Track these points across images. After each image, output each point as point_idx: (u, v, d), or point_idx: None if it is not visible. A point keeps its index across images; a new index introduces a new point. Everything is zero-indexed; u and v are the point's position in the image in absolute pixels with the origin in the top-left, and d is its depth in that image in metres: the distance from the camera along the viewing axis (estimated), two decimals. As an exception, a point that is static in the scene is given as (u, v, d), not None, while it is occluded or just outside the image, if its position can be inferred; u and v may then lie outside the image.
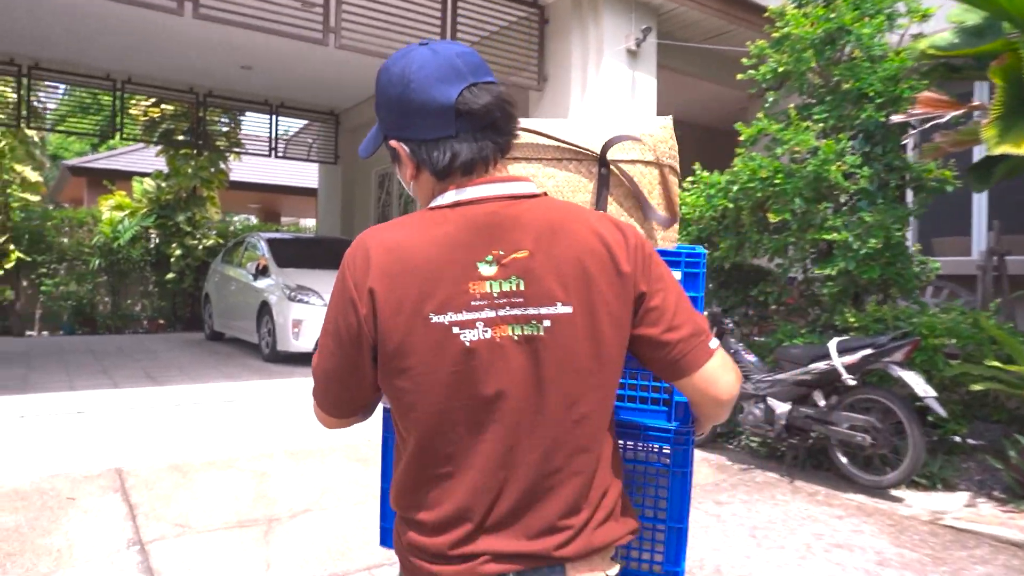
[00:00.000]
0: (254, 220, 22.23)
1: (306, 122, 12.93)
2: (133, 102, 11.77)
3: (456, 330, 0.99)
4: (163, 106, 12.08)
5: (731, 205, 4.89)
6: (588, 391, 1.03)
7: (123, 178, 15.48)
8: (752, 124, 5.21)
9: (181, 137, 12.24)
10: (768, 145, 5.30)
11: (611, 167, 1.34)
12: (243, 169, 18.46)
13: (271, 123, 11.95)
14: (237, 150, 12.96)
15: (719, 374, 1.09)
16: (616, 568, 1.09)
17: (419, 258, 1.00)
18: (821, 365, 4.30)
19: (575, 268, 1.01)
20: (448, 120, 1.03)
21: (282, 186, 19.09)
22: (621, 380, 1.28)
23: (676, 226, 1.41)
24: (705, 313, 1.93)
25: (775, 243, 4.88)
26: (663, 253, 1.27)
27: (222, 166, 13.65)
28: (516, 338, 1.00)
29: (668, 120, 1.41)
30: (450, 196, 1.05)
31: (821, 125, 4.79)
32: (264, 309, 8.09)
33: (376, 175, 11.69)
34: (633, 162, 1.35)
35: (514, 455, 1.01)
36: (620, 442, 1.29)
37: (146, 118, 12.16)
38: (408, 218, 1.07)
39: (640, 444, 1.38)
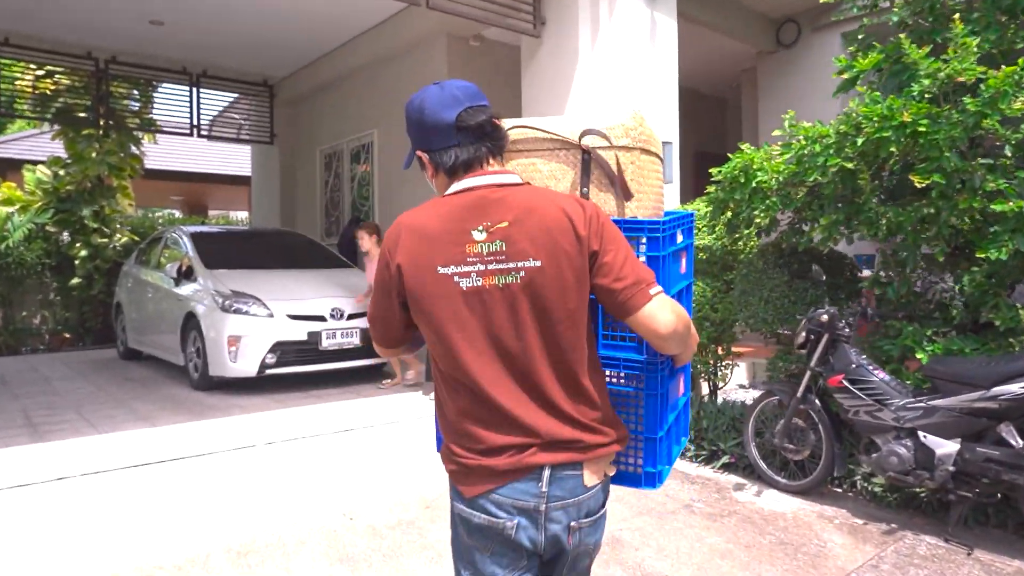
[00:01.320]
0: (178, 214, 19.94)
1: (236, 95, 11.03)
2: (17, 72, 9.67)
3: (456, 279, 1.42)
4: (56, 76, 10.01)
5: (851, 165, 3.52)
6: (565, 329, 1.42)
7: (13, 168, 13.19)
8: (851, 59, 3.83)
9: (82, 115, 10.18)
10: (870, 87, 3.96)
11: (589, 153, 1.70)
12: (162, 155, 16.29)
13: (191, 96, 10.04)
14: (151, 130, 10.93)
15: (657, 314, 1.44)
16: (613, 470, 1.57)
17: (432, 230, 1.46)
18: (1016, 389, 2.99)
19: (544, 234, 1.41)
20: (451, 134, 1.49)
21: (209, 174, 16.93)
22: (607, 325, 1.67)
23: (662, 197, 1.83)
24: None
25: (906, 216, 3.54)
26: (641, 224, 1.64)
27: (134, 150, 11.60)
28: (500, 285, 1.42)
29: (636, 111, 1.75)
30: (454, 187, 1.50)
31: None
32: (190, 322, 6.35)
33: (322, 155, 9.95)
34: (607, 148, 1.69)
35: (529, 385, 1.43)
36: (607, 372, 1.66)
37: (35, 93, 10.05)
38: (427, 204, 1.52)
39: (623, 374, 1.73)
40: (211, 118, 10.89)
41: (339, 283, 6.76)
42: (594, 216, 1.44)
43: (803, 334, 3.80)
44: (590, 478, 1.47)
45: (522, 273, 1.40)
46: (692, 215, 1.89)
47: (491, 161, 1.52)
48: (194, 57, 9.55)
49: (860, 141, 3.44)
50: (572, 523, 1.46)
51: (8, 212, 10.90)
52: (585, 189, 1.69)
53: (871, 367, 3.56)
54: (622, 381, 1.73)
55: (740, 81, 9.38)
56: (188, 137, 17.75)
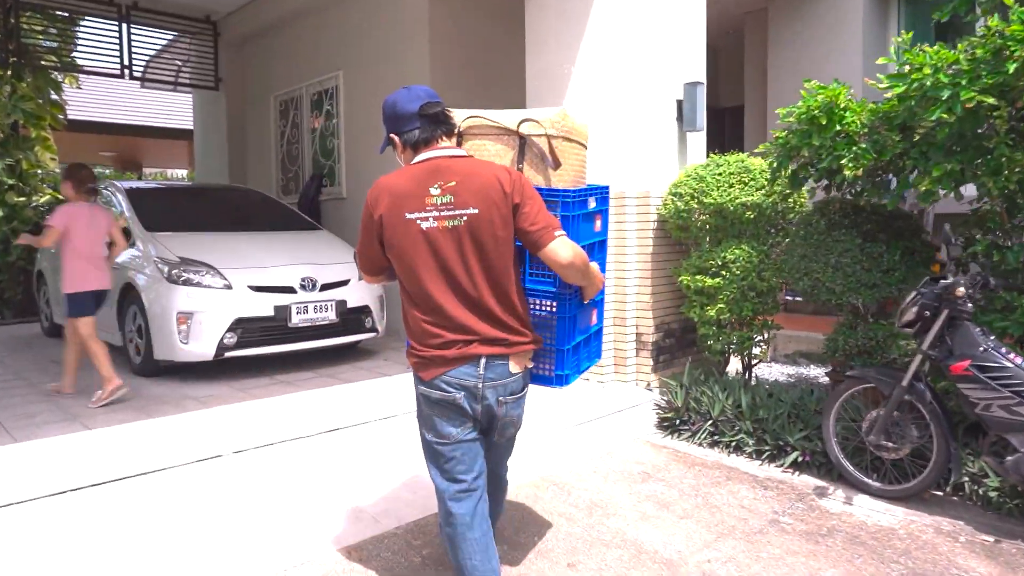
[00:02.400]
0: (108, 173, 18.22)
1: (173, 34, 9.69)
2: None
3: (418, 222, 2.02)
4: (-46, 6, 8.52)
5: (990, 99, 2.78)
6: (495, 259, 2.04)
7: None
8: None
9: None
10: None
11: (525, 139, 2.35)
12: (90, 105, 14.66)
13: (120, 33, 8.70)
14: (72, 70, 9.51)
15: (559, 249, 2.06)
16: (531, 364, 2.20)
17: (401, 188, 2.05)
18: None
19: (481, 190, 2.01)
20: (415, 120, 2.10)
21: (144, 127, 15.32)
22: (532, 268, 2.32)
23: (585, 171, 2.62)
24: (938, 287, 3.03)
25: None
26: (557, 192, 2.31)
27: (54, 96, 10.14)
28: (449, 227, 2.01)
29: (562, 108, 2.41)
30: (417, 158, 2.11)
31: None
32: (129, 295, 5.31)
33: (277, 101, 8.79)
34: (538, 135, 2.34)
35: (470, 299, 2.04)
36: (533, 300, 2.32)
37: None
38: (399, 170, 2.12)
39: (542, 301, 2.33)
40: (146, 61, 9.54)
41: (309, 248, 5.80)
42: (518, 179, 2.07)
43: (914, 309, 3.09)
44: (514, 367, 2.11)
45: (465, 217, 2.01)
46: (606, 188, 2.62)
47: (444, 139, 2.13)
48: (122, -16, 8.22)
49: (1012, 67, 2.69)
50: (500, 398, 2.10)
51: (-96, 166, 9.39)
52: (520, 164, 2.32)
53: (1004, 351, 2.89)
54: (544, 308, 2.32)
55: (743, 26, 8.60)
56: (120, 85, 16.19)
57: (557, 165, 2.31)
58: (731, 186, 4.43)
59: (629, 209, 4.87)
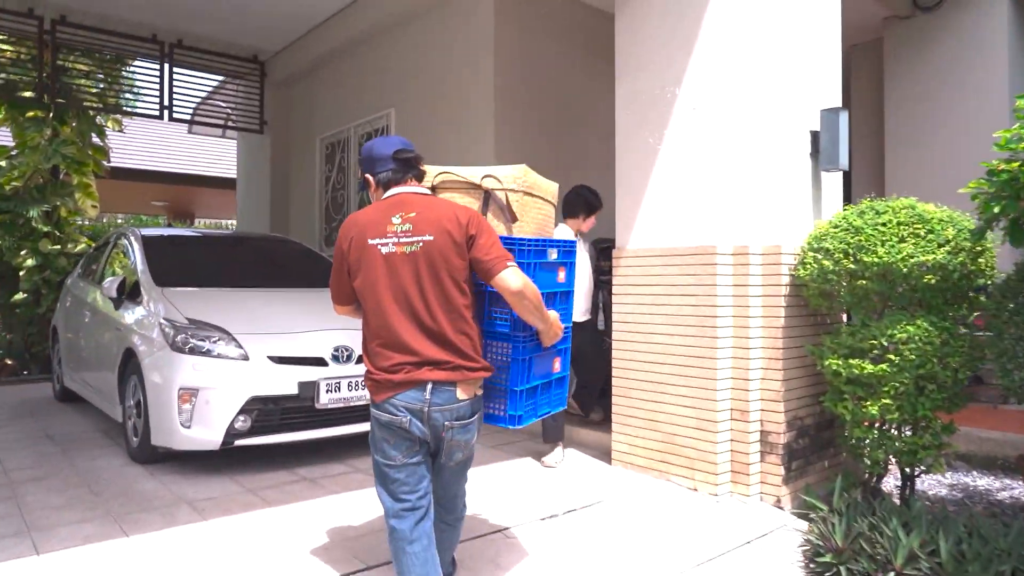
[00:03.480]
0: (160, 223, 18.01)
1: (220, 78, 9.17)
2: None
3: (379, 247, 2.22)
4: (-3, 45, 8.16)
5: None
6: (450, 285, 2.22)
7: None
8: None
9: (28, 94, 8.30)
10: None
11: (489, 193, 2.57)
12: (140, 153, 14.44)
13: (162, 73, 8.17)
14: (111, 111, 9.01)
15: (509, 277, 2.22)
16: (480, 391, 2.33)
17: (367, 219, 2.28)
18: None
19: (437, 221, 2.22)
20: (388, 162, 2.35)
21: (197, 176, 14.97)
22: (494, 310, 2.46)
23: (551, 225, 2.85)
24: None
25: None
26: (515, 240, 2.47)
27: (97, 141, 9.70)
28: (407, 252, 2.20)
29: (523, 166, 2.65)
30: (386, 195, 2.35)
31: None
32: (131, 363, 4.41)
33: (323, 144, 8.06)
34: (500, 190, 2.58)
35: (423, 323, 2.20)
36: (491, 343, 2.47)
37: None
38: (370, 206, 2.36)
39: (499, 344, 2.46)
40: (193, 105, 9.01)
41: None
42: (474, 215, 2.30)
43: None
44: (461, 393, 2.25)
45: (421, 243, 2.20)
46: (572, 243, 2.81)
47: (413, 182, 2.38)
48: (167, 22, 7.69)
49: None
50: (447, 423, 2.24)
51: (-64, 212, 8.97)
52: (485, 215, 2.55)
53: None
54: (501, 350, 2.47)
55: (849, 62, 7.54)
56: (171, 133, 16.05)
57: (513, 218, 2.55)
58: (901, 240, 3.30)
59: (753, 269, 3.76)
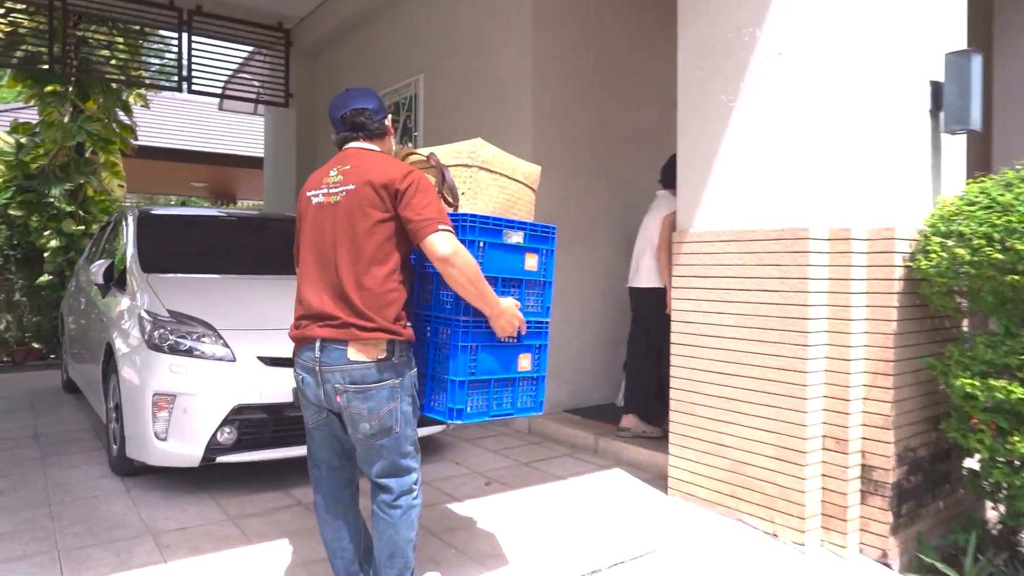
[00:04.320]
0: (203, 205, 17.81)
1: (248, 48, 8.62)
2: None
3: (312, 198, 2.21)
4: (12, 16, 7.75)
5: None
6: (364, 239, 2.09)
7: None
8: None
9: (46, 67, 7.88)
10: None
11: (443, 170, 2.42)
12: (180, 133, 14.14)
13: (180, 42, 7.63)
14: (132, 83, 8.56)
15: (438, 242, 2.05)
16: (381, 355, 2.09)
17: (314, 175, 2.28)
18: None
19: (365, 172, 2.12)
20: (339, 124, 2.28)
21: (238, 156, 14.57)
22: (443, 294, 2.30)
23: (516, 205, 2.55)
24: None
25: None
26: (459, 215, 2.30)
27: (123, 117, 9.29)
28: (332, 202, 2.14)
29: (477, 140, 2.46)
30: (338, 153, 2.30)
31: None
32: (111, 359, 3.84)
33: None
34: (454, 166, 2.43)
35: (328, 277, 2.11)
36: (441, 328, 2.30)
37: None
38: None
39: (442, 328, 2.28)
40: (215, 78, 8.48)
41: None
42: (412, 174, 2.13)
43: None
44: (354, 353, 2.07)
45: (343, 193, 2.12)
46: (550, 228, 2.54)
47: (363, 141, 2.27)
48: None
49: None
50: (338, 385, 2.08)
51: (-42, 191, 8.70)
52: (440, 192, 2.37)
53: None
54: (442, 336, 2.30)
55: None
56: (210, 113, 15.75)
57: (454, 195, 2.37)
58: (1070, 222, 2.45)
59: (856, 258, 2.94)
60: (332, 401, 2.11)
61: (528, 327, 2.38)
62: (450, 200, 2.36)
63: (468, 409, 2.25)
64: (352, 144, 2.24)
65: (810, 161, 3.00)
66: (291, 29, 8.14)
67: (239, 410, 3.34)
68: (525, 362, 2.40)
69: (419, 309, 2.37)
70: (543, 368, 2.47)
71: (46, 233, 8.78)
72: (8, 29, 7.86)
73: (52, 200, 8.69)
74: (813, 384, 2.99)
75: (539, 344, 2.44)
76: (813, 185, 2.99)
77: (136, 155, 10.27)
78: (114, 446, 3.76)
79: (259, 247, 4.91)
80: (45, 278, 8.83)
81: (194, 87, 7.71)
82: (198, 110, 15.52)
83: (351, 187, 2.10)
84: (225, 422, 3.32)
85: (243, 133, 15.06)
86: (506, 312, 2.24)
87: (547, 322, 2.48)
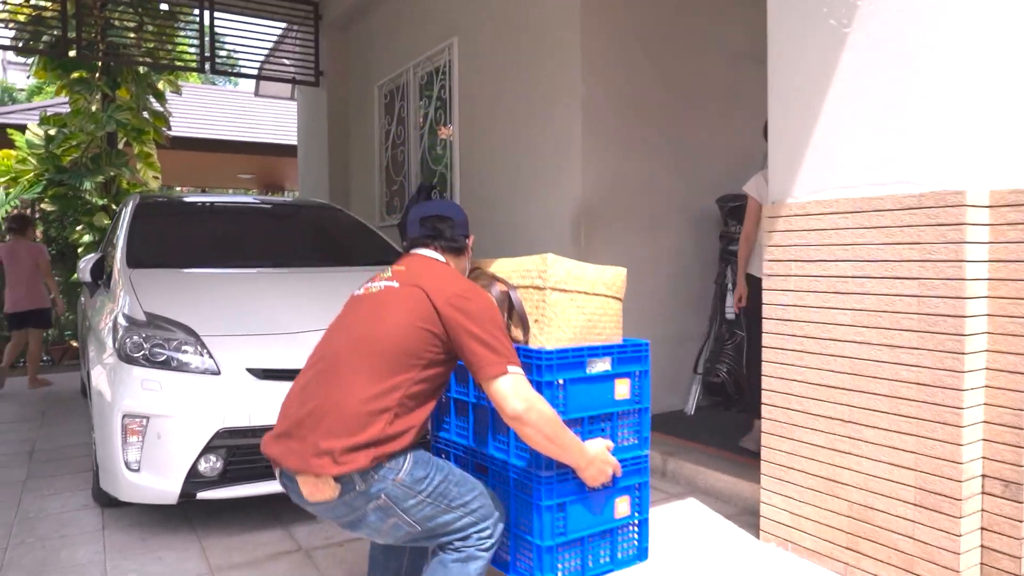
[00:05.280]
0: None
1: (278, 25, 8.08)
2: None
3: (355, 292, 1.89)
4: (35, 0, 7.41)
5: None
6: (381, 347, 1.70)
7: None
8: None
9: (73, 54, 7.51)
10: None
11: (507, 292, 2.05)
12: (223, 124, 13.88)
13: (202, 18, 7.14)
14: (158, 66, 8.15)
15: (503, 393, 1.65)
16: (334, 494, 1.62)
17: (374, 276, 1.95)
18: None
19: (415, 275, 1.79)
20: (415, 225, 1.98)
21: (281, 145, 14.17)
22: (500, 436, 2.01)
23: (603, 325, 2.11)
24: None
25: None
26: (531, 352, 1.93)
27: (155, 104, 8.93)
28: (367, 293, 1.83)
29: (546, 256, 2.01)
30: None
31: None
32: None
33: (381, 93, 6.80)
34: (522, 287, 2.04)
35: (318, 375, 1.77)
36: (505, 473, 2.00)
37: (13, 22, 7.47)
38: None
39: (519, 479, 1.95)
40: (243, 58, 8.00)
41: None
42: (471, 290, 1.78)
43: None
44: (307, 490, 1.64)
45: (383, 287, 1.80)
46: (641, 345, 2.13)
47: (433, 249, 1.94)
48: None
49: None
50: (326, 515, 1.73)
51: (-8, 185, 8.50)
52: (509, 321, 2.04)
53: None
54: (523, 489, 1.95)
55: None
56: (255, 103, 15.45)
57: (524, 325, 2.00)
58: None
59: (973, 231, 2.11)
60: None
61: (624, 466, 2.02)
62: (521, 333, 1.99)
63: (560, 574, 1.93)
64: (418, 250, 1.94)
65: (960, 98, 2.17)
66: (319, 1, 7.55)
67: (224, 435, 2.73)
68: (623, 506, 2.08)
69: (478, 446, 2.11)
70: (646, 509, 2.12)
71: (79, 228, 8.51)
72: (32, 14, 7.52)
73: (84, 194, 8.40)
74: (971, 405, 2.18)
75: (638, 483, 2.11)
76: (969, 131, 2.17)
77: (171, 146, 9.95)
78: (96, 470, 3.23)
79: (276, 236, 4.31)
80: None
81: (218, 67, 7.20)
82: (236, 99, 15.23)
83: (393, 284, 1.80)
84: (207, 450, 2.72)
85: (285, 121, 14.71)
86: (596, 461, 1.88)
87: (646, 455, 2.12)
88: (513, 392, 1.66)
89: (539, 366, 1.89)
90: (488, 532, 1.77)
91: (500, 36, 4.91)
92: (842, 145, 2.50)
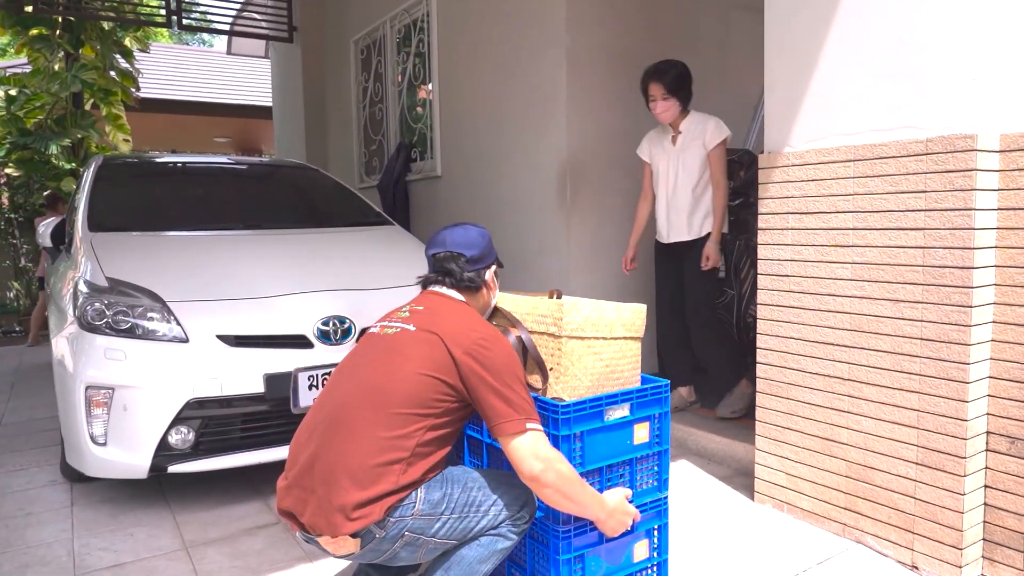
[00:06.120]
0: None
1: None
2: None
3: (372, 329, 1.80)
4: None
5: None
6: (393, 392, 1.63)
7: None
8: None
9: (29, 8, 7.12)
10: None
11: (525, 343, 1.93)
12: (196, 84, 13.42)
13: (168, -31, 6.77)
14: (122, 20, 7.77)
15: (520, 453, 1.59)
16: (354, 549, 1.57)
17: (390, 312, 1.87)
18: None
19: (432, 318, 1.71)
20: (431, 264, 1.90)
21: (258, 107, 13.75)
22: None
23: (620, 369, 2.00)
24: None
25: None
26: (547, 404, 1.83)
27: (122, 63, 8.55)
28: (383, 333, 1.74)
29: (564, 303, 1.88)
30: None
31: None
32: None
33: (357, 48, 6.52)
34: (537, 333, 1.94)
35: (329, 419, 1.68)
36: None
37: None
38: None
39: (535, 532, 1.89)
40: (236, 9, 7.65)
41: (356, 257, 3.40)
42: (490, 337, 1.68)
43: None
44: (332, 549, 1.59)
45: (398, 329, 1.71)
46: (661, 385, 2.04)
47: (448, 287, 1.86)
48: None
49: None
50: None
51: (-47, 150, 8.14)
52: (525, 367, 1.92)
53: None
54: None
55: None
56: (230, 63, 14.97)
57: (543, 373, 1.90)
58: None
59: (983, 177, 1.99)
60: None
61: (642, 510, 1.96)
62: (538, 379, 1.90)
63: None
64: (434, 287, 1.87)
65: (974, 34, 2.02)
66: (290, -49, 7.21)
67: (195, 405, 2.59)
68: (642, 551, 2.01)
69: None
70: (665, 550, 2.06)
71: (45, 193, 8.21)
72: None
73: (51, 158, 8.08)
74: (977, 360, 2.08)
75: (657, 525, 2.05)
76: (979, 71, 2.03)
77: (142, 108, 9.60)
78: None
79: (237, 198, 4.10)
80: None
81: (185, 22, 6.87)
82: (209, 58, 14.72)
83: (410, 327, 1.71)
84: (177, 421, 2.58)
85: (261, 82, 14.27)
86: (616, 513, 1.80)
87: (665, 497, 2.05)
88: (532, 452, 1.60)
89: (556, 419, 1.82)
90: (523, 517, 1.73)
91: (480, -16, 4.66)
92: (842, 89, 2.35)
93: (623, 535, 1.91)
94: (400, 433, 1.58)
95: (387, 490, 1.55)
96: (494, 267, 1.95)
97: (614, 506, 1.80)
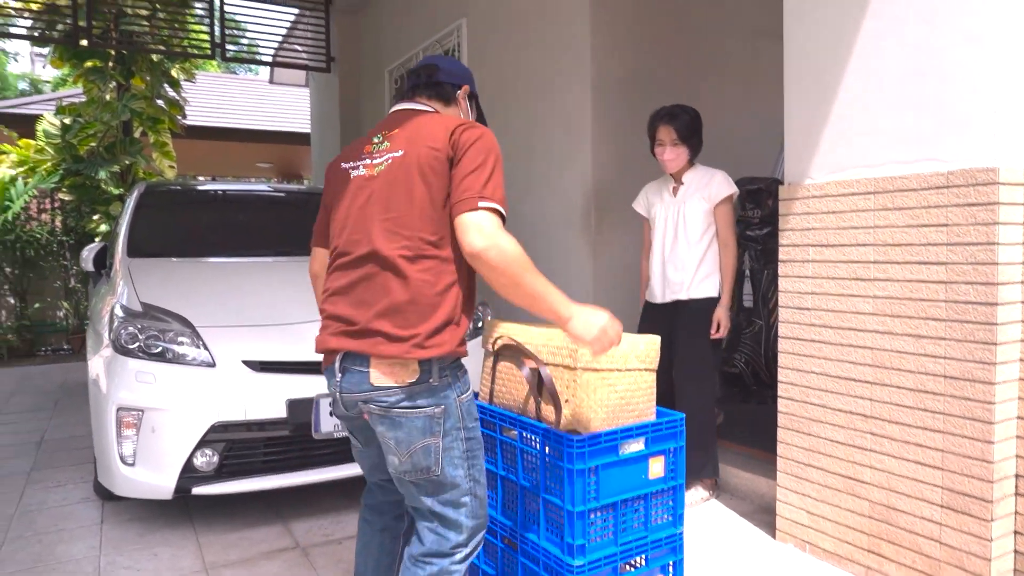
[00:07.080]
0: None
1: (289, 11, 7.98)
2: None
3: (350, 171, 1.65)
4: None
5: None
6: (408, 219, 1.52)
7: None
8: None
9: (84, 42, 7.48)
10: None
11: (536, 369, 1.93)
12: (242, 112, 13.88)
13: (212, 4, 7.06)
14: (171, 53, 8.10)
15: (467, 228, 1.46)
16: (410, 378, 1.50)
17: (354, 143, 1.74)
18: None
19: (416, 133, 1.58)
20: (408, 76, 1.81)
21: (294, 133, 14.15)
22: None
23: (636, 403, 1.97)
24: None
25: None
26: (562, 438, 1.83)
27: (170, 92, 8.90)
28: (375, 173, 1.59)
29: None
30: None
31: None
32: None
33: (391, 77, 6.69)
34: (552, 365, 1.92)
35: (356, 265, 1.57)
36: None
37: (27, 11, 7.46)
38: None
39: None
40: (277, 43, 7.93)
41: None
42: (469, 131, 1.55)
43: None
44: (378, 377, 1.50)
45: (389, 161, 1.58)
46: (676, 420, 2.02)
47: (421, 98, 1.73)
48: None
49: None
50: (360, 403, 1.54)
51: (11, 176, 8.54)
52: (538, 400, 1.95)
53: None
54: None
55: None
56: (271, 91, 15.44)
57: (556, 404, 1.86)
58: None
59: (1006, 211, 1.94)
60: (365, 427, 1.66)
61: (658, 546, 2.00)
62: (552, 412, 1.87)
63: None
64: (404, 104, 1.72)
65: (996, 65, 1.99)
66: (330, -14, 7.45)
67: (220, 428, 2.66)
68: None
69: (505, 519, 2.08)
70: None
71: (95, 217, 8.54)
72: (46, 3, 7.51)
73: (101, 183, 8.42)
74: (1004, 400, 2.02)
75: (672, 561, 2.06)
76: (1001, 103, 1.99)
77: (188, 135, 9.95)
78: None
79: (271, 225, 4.21)
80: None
81: (229, 55, 7.13)
82: (252, 87, 15.20)
83: (398, 153, 1.58)
84: (203, 444, 2.65)
85: (301, 109, 14.68)
86: (592, 322, 1.56)
87: (680, 533, 2.05)
88: (476, 227, 1.45)
89: (571, 453, 1.81)
90: (473, 543, 1.62)
91: (509, 16, 4.76)
92: (862, 120, 2.33)
93: (636, 571, 1.87)
94: (437, 257, 1.56)
95: (448, 315, 1.52)
96: (468, 91, 1.80)
97: (590, 313, 1.56)
